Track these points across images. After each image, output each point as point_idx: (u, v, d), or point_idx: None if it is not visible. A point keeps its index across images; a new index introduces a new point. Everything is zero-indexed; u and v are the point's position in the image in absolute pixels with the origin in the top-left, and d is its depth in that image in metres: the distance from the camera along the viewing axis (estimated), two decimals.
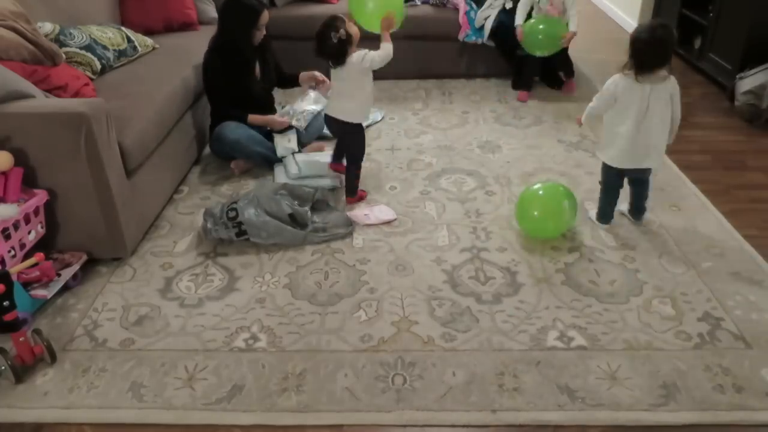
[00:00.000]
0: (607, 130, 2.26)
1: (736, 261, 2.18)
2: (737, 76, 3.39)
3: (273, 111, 3.09)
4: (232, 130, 2.78)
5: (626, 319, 1.93)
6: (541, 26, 3.37)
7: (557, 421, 1.59)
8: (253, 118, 2.89)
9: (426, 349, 1.83)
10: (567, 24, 3.41)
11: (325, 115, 2.63)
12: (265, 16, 2.79)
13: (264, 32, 2.84)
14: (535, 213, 2.27)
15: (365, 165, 2.79)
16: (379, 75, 3.96)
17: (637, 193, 2.36)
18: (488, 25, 3.79)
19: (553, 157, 2.96)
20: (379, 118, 3.43)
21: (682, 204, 2.53)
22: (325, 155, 2.88)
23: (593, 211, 2.45)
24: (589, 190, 2.66)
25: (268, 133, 2.95)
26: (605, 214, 2.39)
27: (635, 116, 2.14)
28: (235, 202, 2.34)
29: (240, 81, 2.83)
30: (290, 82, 3.17)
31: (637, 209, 2.39)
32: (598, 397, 1.65)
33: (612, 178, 2.33)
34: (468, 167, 2.90)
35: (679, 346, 1.82)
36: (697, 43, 4.15)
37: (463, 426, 1.59)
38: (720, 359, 1.76)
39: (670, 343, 1.83)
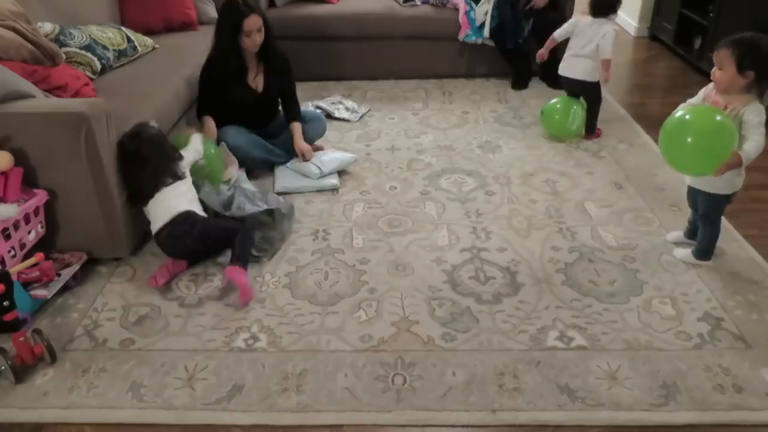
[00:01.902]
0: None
1: (736, 261, 2.18)
2: None
3: (267, 126, 2.94)
4: (233, 136, 2.73)
5: (626, 319, 1.93)
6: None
7: (557, 421, 1.59)
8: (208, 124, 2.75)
9: (426, 349, 1.82)
10: None
11: (560, 76, 3.11)
12: (252, 21, 2.56)
13: (257, 39, 2.62)
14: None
15: (365, 164, 2.93)
16: (378, 74, 4.05)
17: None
18: (488, 21, 3.79)
19: (553, 157, 2.96)
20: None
21: (682, 204, 2.52)
22: (334, 152, 2.89)
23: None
24: (589, 190, 2.66)
25: (268, 135, 2.93)
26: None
27: None
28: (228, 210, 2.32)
29: (223, 90, 2.72)
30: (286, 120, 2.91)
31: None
32: (598, 397, 1.65)
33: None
34: (468, 167, 2.90)
35: (679, 346, 1.81)
36: (697, 43, 4.15)
37: (463, 426, 1.59)
38: (720, 359, 1.76)
39: (670, 343, 1.83)
